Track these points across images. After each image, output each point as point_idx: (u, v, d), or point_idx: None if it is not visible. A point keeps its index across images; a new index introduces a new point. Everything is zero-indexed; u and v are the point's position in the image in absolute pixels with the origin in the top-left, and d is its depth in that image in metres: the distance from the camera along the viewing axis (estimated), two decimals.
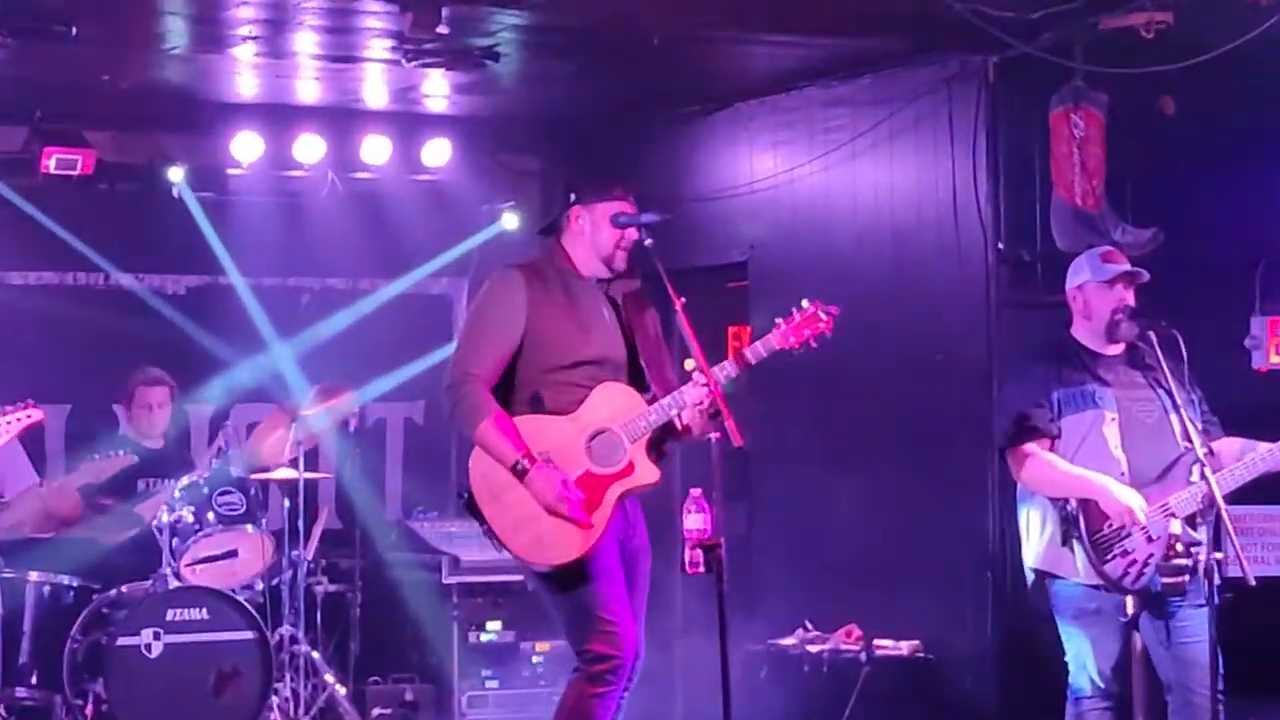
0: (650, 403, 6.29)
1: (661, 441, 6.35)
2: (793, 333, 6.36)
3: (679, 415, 6.24)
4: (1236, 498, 6.51)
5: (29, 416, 7.98)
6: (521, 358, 6.31)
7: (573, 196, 6.47)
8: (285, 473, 9.50)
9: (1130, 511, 6.43)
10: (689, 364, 6.23)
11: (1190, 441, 6.48)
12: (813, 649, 8.91)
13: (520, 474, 6.14)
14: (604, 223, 6.39)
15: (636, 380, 6.39)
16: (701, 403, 6.14)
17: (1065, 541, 6.56)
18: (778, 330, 6.37)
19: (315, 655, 9.45)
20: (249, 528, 9.21)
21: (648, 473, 6.30)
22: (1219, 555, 6.32)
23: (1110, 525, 6.47)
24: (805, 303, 6.41)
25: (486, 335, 6.33)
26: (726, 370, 6.23)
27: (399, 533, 10.72)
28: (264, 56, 9.05)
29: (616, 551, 6.27)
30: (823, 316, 6.38)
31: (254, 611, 8.98)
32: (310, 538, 9.67)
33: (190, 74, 9.48)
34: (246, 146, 10.47)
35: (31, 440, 9.19)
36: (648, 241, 6.32)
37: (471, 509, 6.26)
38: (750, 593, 9.29)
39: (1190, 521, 6.45)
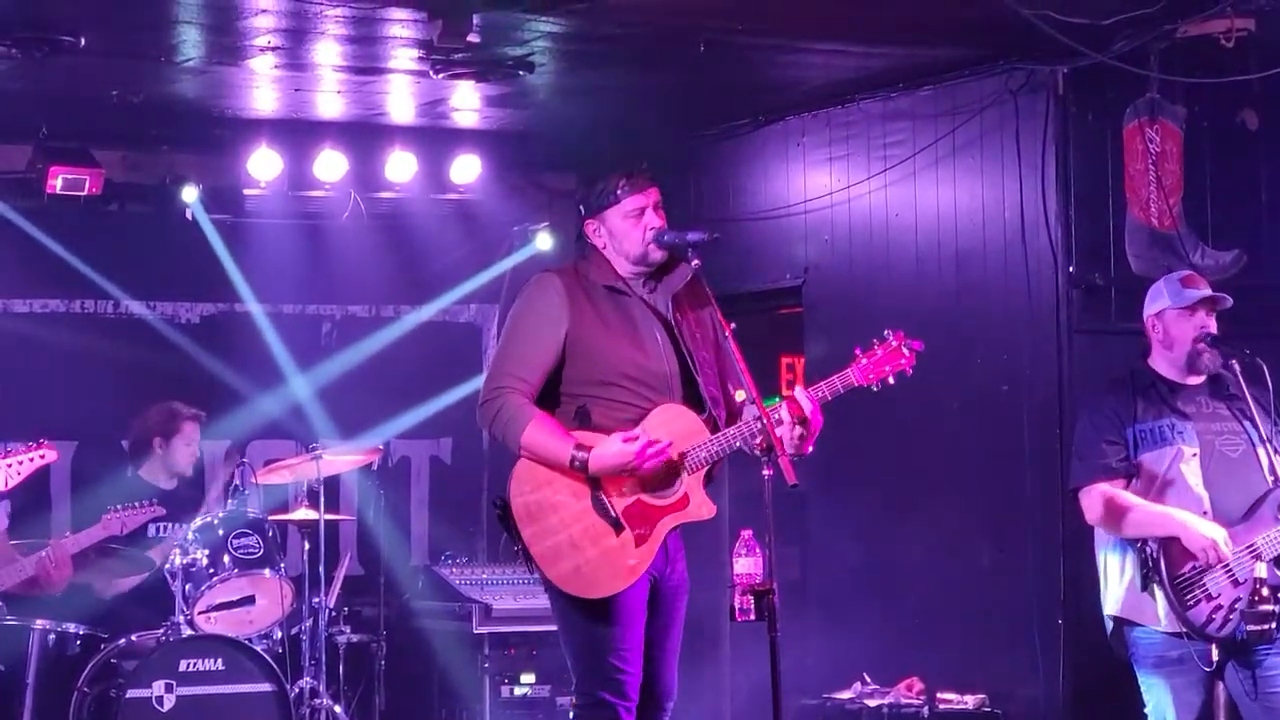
0: (708, 422, 6.20)
1: (712, 466, 6.23)
2: (873, 368, 6.22)
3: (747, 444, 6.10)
4: None
5: (42, 457, 7.95)
6: (564, 371, 6.21)
7: (581, 210, 6.38)
8: (305, 514, 9.57)
9: (1214, 546, 6.45)
10: (740, 395, 6.23)
11: (1278, 476, 6.51)
12: (871, 703, 8.92)
13: (582, 467, 6.04)
14: (621, 225, 6.26)
15: (690, 395, 6.25)
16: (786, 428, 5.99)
17: (1145, 586, 6.58)
18: (855, 365, 6.22)
19: (337, 709, 9.51)
20: (267, 572, 9.25)
21: (703, 507, 6.21)
22: None
23: (1193, 566, 6.49)
24: (888, 333, 6.29)
25: (524, 346, 6.22)
26: (779, 414, 6.04)
27: (426, 579, 10.74)
28: (283, 68, 9.14)
29: (647, 589, 6.20)
30: (905, 352, 6.25)
31: (272, 662, 9.02)
32: (332, 583, 9.72)
33: (204, 88, 9.54)
34: (264, 165, 10.53)
35: (36, 480, 8.94)
36: (695, 263, 6.22)
37: (505, 523, 6.18)
38: (804, 642, 9.30)
39: (1278, 563, 6.48)
